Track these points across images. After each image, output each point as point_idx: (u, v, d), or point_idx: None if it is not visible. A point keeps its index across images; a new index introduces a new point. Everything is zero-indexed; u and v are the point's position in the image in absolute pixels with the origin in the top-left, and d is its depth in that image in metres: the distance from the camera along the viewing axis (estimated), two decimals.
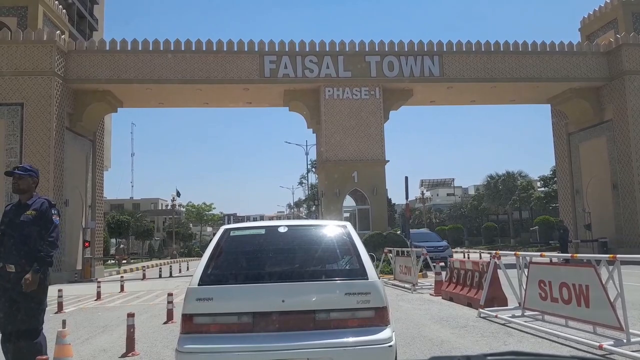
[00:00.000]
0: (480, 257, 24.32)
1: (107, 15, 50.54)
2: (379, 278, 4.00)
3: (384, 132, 23.17)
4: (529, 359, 1.85)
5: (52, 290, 14.29)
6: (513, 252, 7.76)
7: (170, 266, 27.94)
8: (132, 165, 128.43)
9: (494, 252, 8.26)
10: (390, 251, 15.58)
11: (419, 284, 12.75)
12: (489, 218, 53.67)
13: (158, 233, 65.87)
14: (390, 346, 3.56)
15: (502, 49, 23.97)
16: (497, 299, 8.43)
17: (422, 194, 46.94)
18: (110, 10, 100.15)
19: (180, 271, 26.54)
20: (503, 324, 7.39)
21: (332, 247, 4.31)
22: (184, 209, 75.12)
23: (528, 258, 7.55)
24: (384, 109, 23.38)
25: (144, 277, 20.93)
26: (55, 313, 10.69)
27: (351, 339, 3.53)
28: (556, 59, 24.19)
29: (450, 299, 10.07)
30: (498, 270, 8.58)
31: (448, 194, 78.05)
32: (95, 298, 13.28)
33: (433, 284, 12.17)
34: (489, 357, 1.44)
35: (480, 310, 8.09)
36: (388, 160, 23.09)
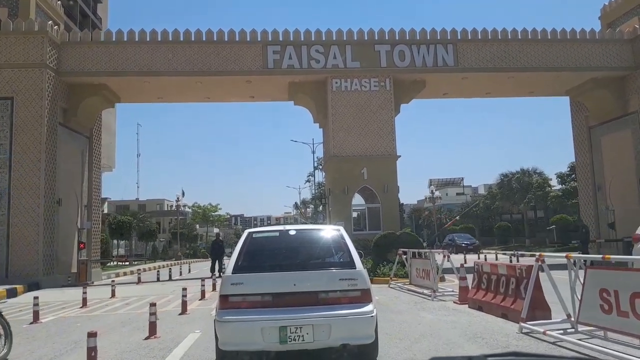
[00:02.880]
0: (497, 259, 22.91)
1: (111, 15, 49.46)
2: (364, 268, 5.14)
3: (394, 126, 21.80)
4: None
5: (28, 298, 13.07)
6: (564, 255, 6.35)
7: (170, 268, 26.68)
8: (138, 166, 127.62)
9: (537, 254, 6.86)
10: (404, 252, 14.21)
11: (439, 290, 11.35)
12: (501, 218, 51.94)
13: (164, 234, 64.75)
14: (372, 316, 4.77)
15: (519, 37, 22.52)
16: (539, 310, 7.06)
17: (432, 193, 45.28)
18: (114, 9, 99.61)
19: (181, 274, 25.04)
20: (553, 343, 6.02)
21: (329, 245, 5.54)
22: (190, 210, 74.01)
23: (584, 261, 6.18)
24: (395, 102, 21.97)
25: (139, 281, 19.68)
26: (30, 324, 9.44)
27: (344, 311, 4.71)
28: (577, 47, 22.70)
29: (480, 308, 8.70)
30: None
31: (457, 194, 76.44)
32: (81, 305, 12.02)
33: (455, 290, 10.82)
34: (489, 358, 1.46)
35: (522, 324, 6.71)
36: (399, 156, 21.71)
